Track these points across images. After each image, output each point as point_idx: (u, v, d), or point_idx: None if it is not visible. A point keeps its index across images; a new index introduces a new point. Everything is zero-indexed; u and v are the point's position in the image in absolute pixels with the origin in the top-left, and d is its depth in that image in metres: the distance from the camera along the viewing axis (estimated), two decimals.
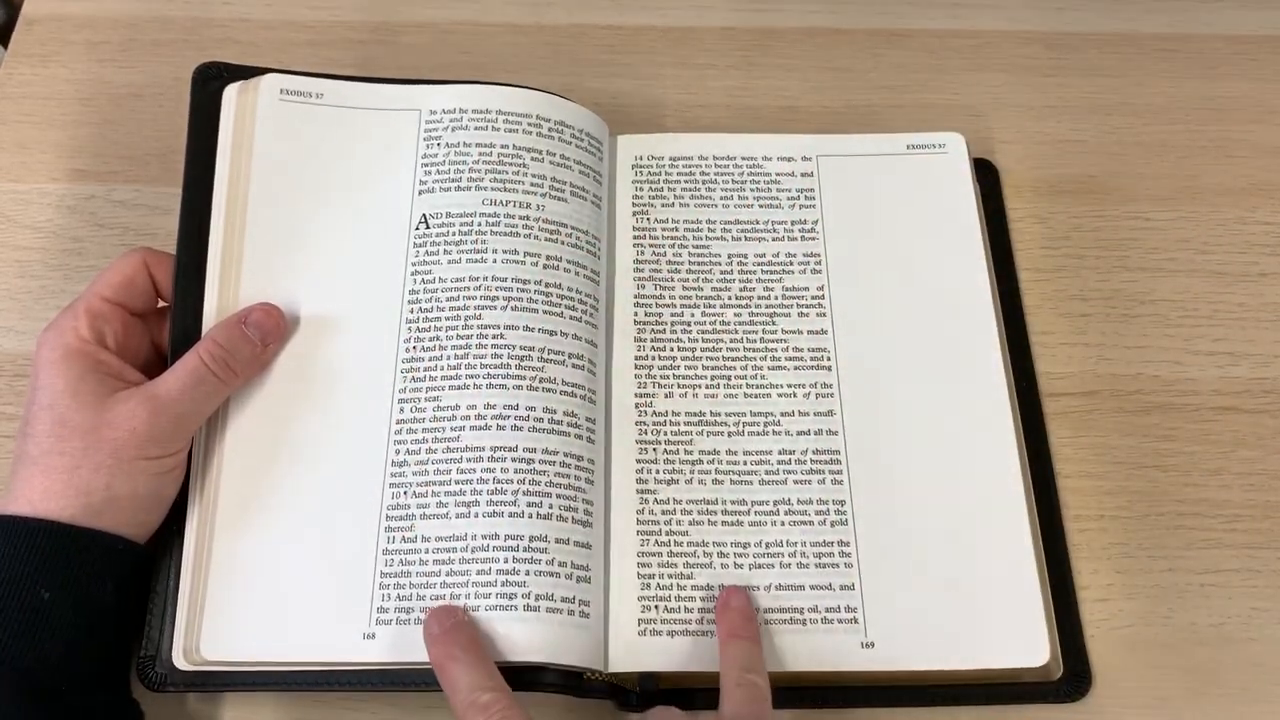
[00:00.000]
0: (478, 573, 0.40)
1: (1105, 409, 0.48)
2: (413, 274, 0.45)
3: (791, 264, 0.48)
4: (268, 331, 0.42)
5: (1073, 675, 0.42)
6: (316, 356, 0.44)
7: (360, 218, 0.46)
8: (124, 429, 0.38)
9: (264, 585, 0.40)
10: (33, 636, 0.36)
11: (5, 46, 0.58)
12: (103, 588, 0.38)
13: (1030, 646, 0.41)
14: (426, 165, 0.47)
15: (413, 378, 0.43)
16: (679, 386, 0.45)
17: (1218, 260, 0.52)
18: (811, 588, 0.42)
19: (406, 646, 0.39)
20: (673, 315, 0.47)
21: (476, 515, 0.41)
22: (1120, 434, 0.47)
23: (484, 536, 0.40)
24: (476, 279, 0.44)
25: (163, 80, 0.56)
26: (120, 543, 0.39)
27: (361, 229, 0.46)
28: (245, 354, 0.42)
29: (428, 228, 0.45)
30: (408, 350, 0.44)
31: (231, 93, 0.47)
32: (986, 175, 0.53)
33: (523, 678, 0.39)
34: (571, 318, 0.45)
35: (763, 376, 0.46)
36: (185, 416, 0.40)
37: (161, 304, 0.44)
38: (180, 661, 0.40)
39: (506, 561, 0.40)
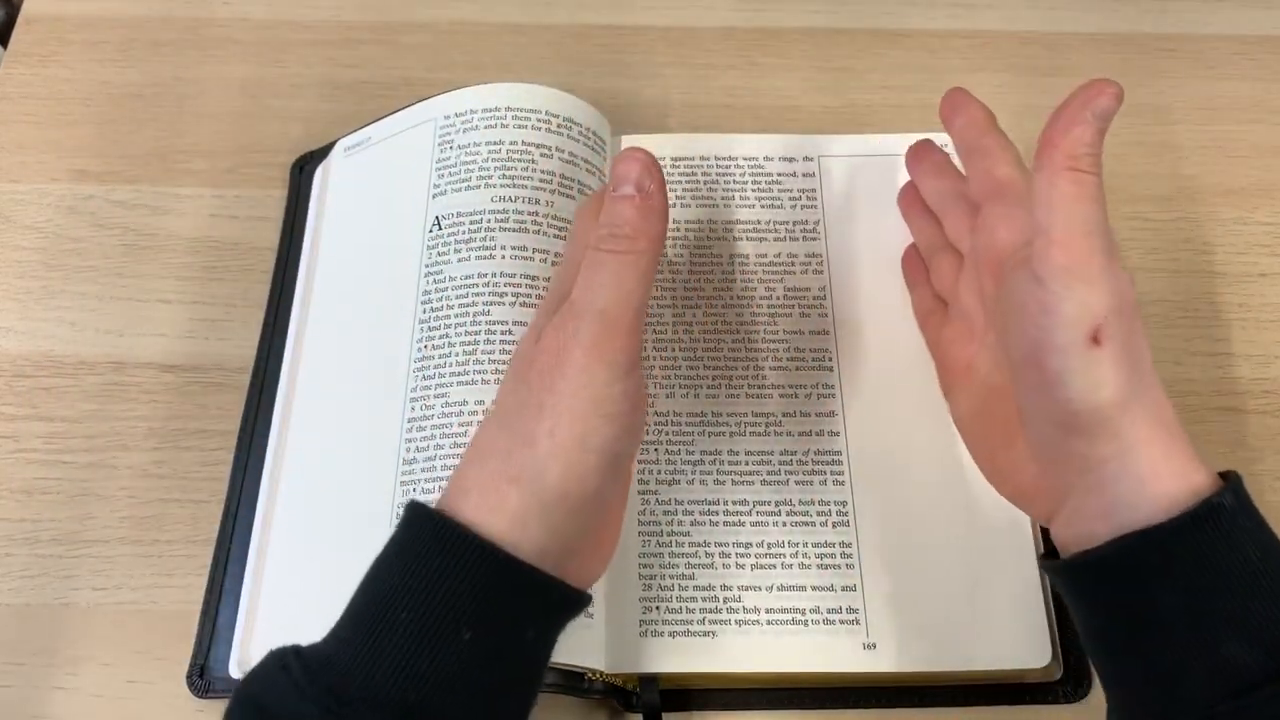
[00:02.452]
0: None
1: None
2: (425, 275, 0.45)
3: (793, 264, 0.48)
4: (635, 178, 0.34)
5: (1073, 676, 0.42)
6: (341, 371, 0.45)
7: (381, 232, 0.47)
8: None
9: (312, 595, 0.40)
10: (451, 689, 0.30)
11: (5, 46, 0.57)
12: (523, 634, 0.32)
13: (1032, 647, 0.41)
14: (440, 169, 0.47)
15: (423, 376, 0.43)
16: (681, 387, 0.45)
17: (1218, 260, 0.52)
18: (813, 588, 0.42)
19: None
20: (674, 315, 0.47)
21: None
22: None
23: None
24: (485, 275, 0.44)
25: (163, 80, 0.56)
26: (565, 590, 0.32)
27: (382, 242, 0.47)
28: (629, 214, 0.33)
29: (440, 229, 0.46)
30: (420, 350, 0.44)
31: (318, 170, 0.51)
32: None
33: None
34: None
35: (764, 377, 0.46)
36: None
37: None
38: (235, 672, 0.40)
39: None
